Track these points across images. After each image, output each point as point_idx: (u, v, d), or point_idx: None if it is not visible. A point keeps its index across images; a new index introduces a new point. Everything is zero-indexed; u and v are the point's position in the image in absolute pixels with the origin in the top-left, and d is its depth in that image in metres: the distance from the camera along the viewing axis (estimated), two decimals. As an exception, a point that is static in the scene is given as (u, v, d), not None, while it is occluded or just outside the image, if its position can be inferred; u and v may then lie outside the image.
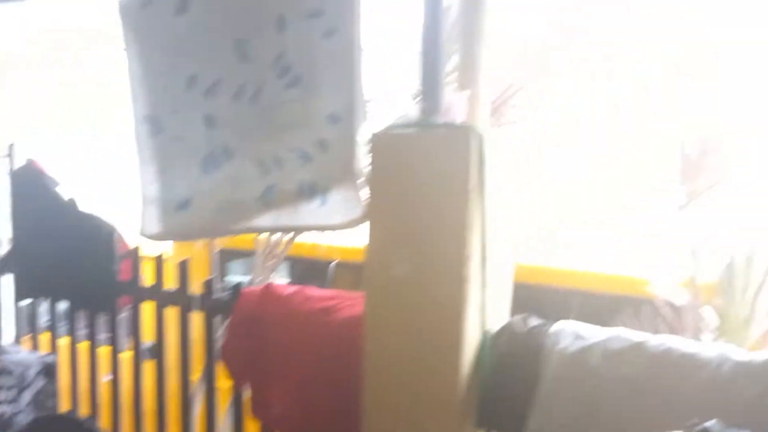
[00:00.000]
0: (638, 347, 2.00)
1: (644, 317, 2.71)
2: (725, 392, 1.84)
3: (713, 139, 2.68)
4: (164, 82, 2.53)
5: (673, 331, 2.66)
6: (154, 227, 2.55)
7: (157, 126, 2.54)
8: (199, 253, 3.74)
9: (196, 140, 2.49)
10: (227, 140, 2.47)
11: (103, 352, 3.32)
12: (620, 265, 3.30)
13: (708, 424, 1.59)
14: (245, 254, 4.06)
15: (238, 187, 2.47)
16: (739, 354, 1.90)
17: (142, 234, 2.60)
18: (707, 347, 1.95)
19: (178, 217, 2.52)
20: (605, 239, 4.09)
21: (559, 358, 2.06)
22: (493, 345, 2.17)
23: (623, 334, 2.06)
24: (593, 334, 2.08)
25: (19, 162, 3.49)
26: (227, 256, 4.29)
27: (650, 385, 1.94)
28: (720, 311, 2.55)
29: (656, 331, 2.65)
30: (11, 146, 3.58)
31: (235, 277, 4.24)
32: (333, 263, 3.50)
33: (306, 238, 3.62)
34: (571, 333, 2.10)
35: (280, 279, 4.15)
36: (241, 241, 3.41)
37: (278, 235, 3.33)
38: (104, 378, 3.33)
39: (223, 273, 4.35)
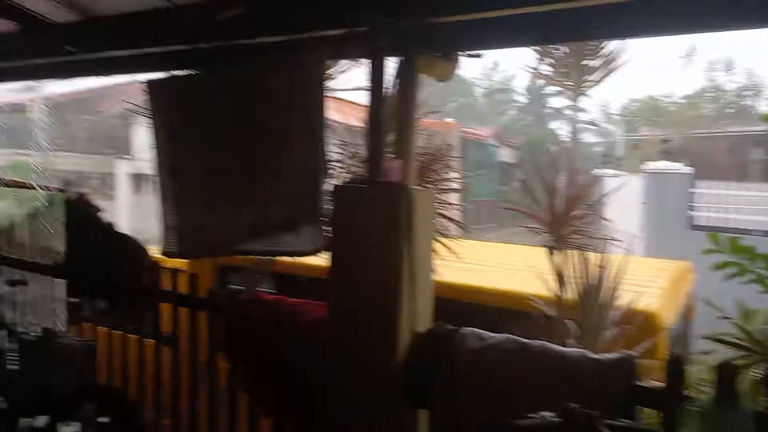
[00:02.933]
0: (523, 347, 1.97)
1: (526, 326, 2.68)
2: (582, 382, 1.81)
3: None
4: (180, 143, 2.43)
5: (545, 337, 2.62)
6: (172, 248, 2.41)
7: (174, 173, 2.42)
8: (205, 266, 3.58)
9: (205, 185, 2.39)
10: (228, 186, 2.38)
11: (132, 339, 3.12)
12: (509, 284, 3.25)
13: (573, 405, 1.55)
14: (240, 269, 3.90)
15: (235, 221, 2.37)
16: (594, 355, 1.87)
17: (163, 253, 2.45)
18: (572, 350, 1.92)
19: (190, 241, 2.40)
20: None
21: (467, 354, 2.01)
22: (420, 343, 2.11)
23: (512, 337, 2.02)
24: (490, 336, 2.04)
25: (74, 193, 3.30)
26: (227, 269, 4.14)
27: (531, 375, 1.90)
28: (579, 322, 2.53)
29: (535, 337, 2.62)
30: (67, 182, 3.41)
31: (233, 286, 4.08)
32: (307, 279, 3.36)
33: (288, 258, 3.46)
34: (475, 336, 2.06)
35: (267, 289, 4.02)
36: (238, 259, 3.26)
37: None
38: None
39: (224, 282, 4.19)
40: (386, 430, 2.07)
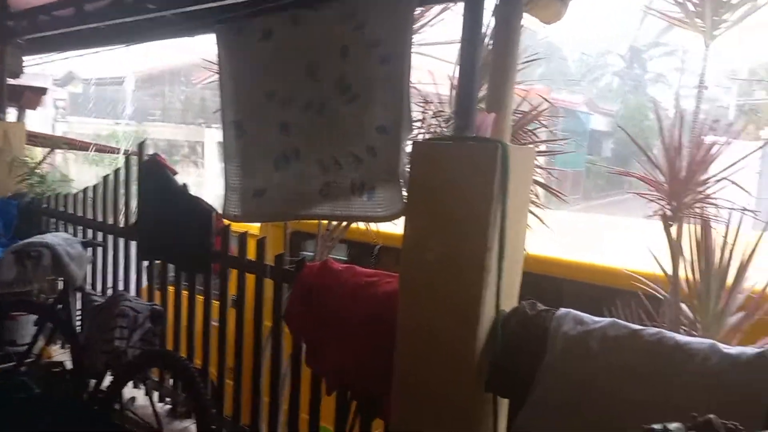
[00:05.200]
0: (634, 335, 1.64)
1: (630, 308, 2.33)
2: (714, 383, 1.47)
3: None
4: (249, 95, 2.23)
5: (653, 321, 2.27)
6: (235, 210, 2.26)
7: (241, 130, 2.24)
8: (276, 231, 3.47)
9: (272, 143, 2.19)
10: (297, 144, 2.17)
11: (199, 301, 3.05)
12: (612, 259, 2.87)
13: (711, 416, 1.22)
14: (313, 235, 3.76)
15: (303, 182, 2.17)
16: (726, 348, 1.52)
17: (224, 215, 2.31)
18: (698, 341, 1.57)
19: (254, 203, 2.23)
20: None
21: (562, 340, 1.71)
22: (505, 324, 1.84)
23: (620, 323, 1.70)
24: (592, 321, 1.73)
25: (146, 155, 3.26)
26: (303, 236, 4.03)
27: (644, 372, 1.57)
28: (695, 306, 2.15)
29: (641, 322, 2.28)
30: (141, 143, 3.37)
31: (308, 253, 3.97)
32: (378, 246, 3.17)
33: (360, 224, 3.27)
34: (573, 318, 1.76)
35: (339, 257, 3.88)
36: (312, 225, 3.11)
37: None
38: (213, 322, 3.05)
39: (298, 250, 4.09)
40: (462, 419, 1.83)
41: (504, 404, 1.94)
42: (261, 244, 2.58)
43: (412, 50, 2.07)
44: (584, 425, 1.59)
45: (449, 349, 1.86)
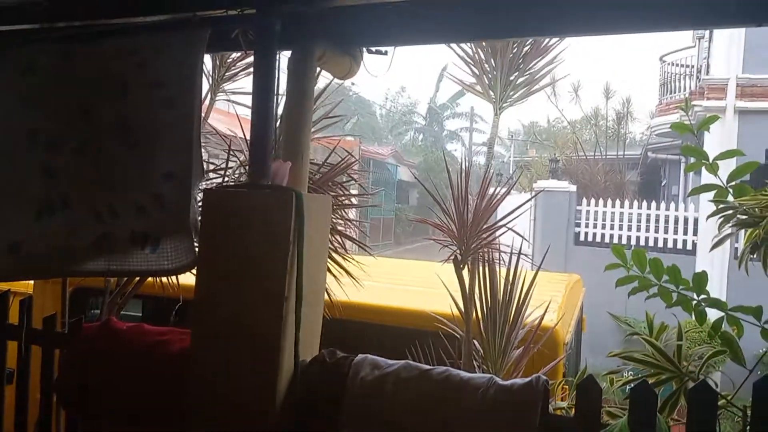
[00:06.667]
0: (424, 375, 1.70)
1: (430, 348, 2.43)
2: (491, 411, 1.57)
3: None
4: (3, 134, 1.90)
5: (451, 358, 2.39)
6: (-21, 267, 1.87)
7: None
8: (52, 288, 2.99)
9: (32, 189, 1.87)
10: (66, 190, 1.88)
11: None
12: (412, 303, 2.99)
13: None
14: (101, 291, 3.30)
15: (72, 234, 1.88)
16: (502, 381, 1.64)
17: (-33, 273, 1.90)
18: (479, 376, 1.67)
19: (9, 259, 1.86)
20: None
21: (360, 385, 1.71)
22: (304, 374, 1.78)
23: (412, 364, 1.75)
24: (387, 364, 1.75)
25: None
26: (88, 293, 3.53)
27: (432, 406, 1.64)
28: (484, 342, 2.31)
29: (440, 360, 2.38)
30: None
31: (95, 312, 3.47)
32: (180, 302, 2.89)
33: (159, 279, 2.94)
34: (370, 363, 1.77)
35: (134, 315, 3.48)
36: (99, 280, 2.71)
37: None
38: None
39: (84, 309, 3.57)
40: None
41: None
42: (25, 304, 2.18)
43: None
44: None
45: (247, 406, 1.74)
